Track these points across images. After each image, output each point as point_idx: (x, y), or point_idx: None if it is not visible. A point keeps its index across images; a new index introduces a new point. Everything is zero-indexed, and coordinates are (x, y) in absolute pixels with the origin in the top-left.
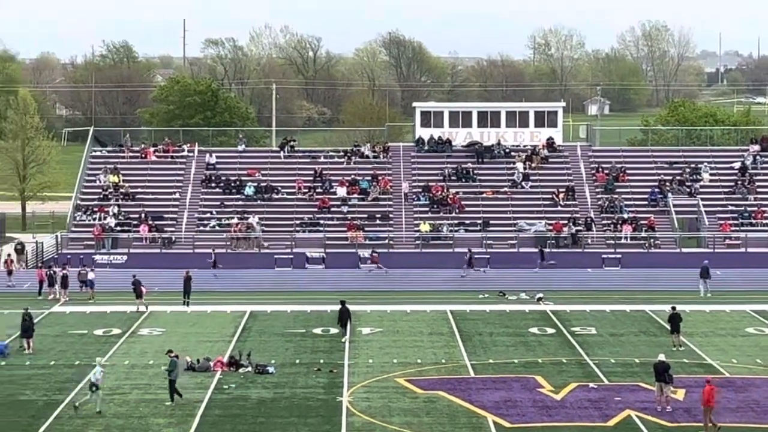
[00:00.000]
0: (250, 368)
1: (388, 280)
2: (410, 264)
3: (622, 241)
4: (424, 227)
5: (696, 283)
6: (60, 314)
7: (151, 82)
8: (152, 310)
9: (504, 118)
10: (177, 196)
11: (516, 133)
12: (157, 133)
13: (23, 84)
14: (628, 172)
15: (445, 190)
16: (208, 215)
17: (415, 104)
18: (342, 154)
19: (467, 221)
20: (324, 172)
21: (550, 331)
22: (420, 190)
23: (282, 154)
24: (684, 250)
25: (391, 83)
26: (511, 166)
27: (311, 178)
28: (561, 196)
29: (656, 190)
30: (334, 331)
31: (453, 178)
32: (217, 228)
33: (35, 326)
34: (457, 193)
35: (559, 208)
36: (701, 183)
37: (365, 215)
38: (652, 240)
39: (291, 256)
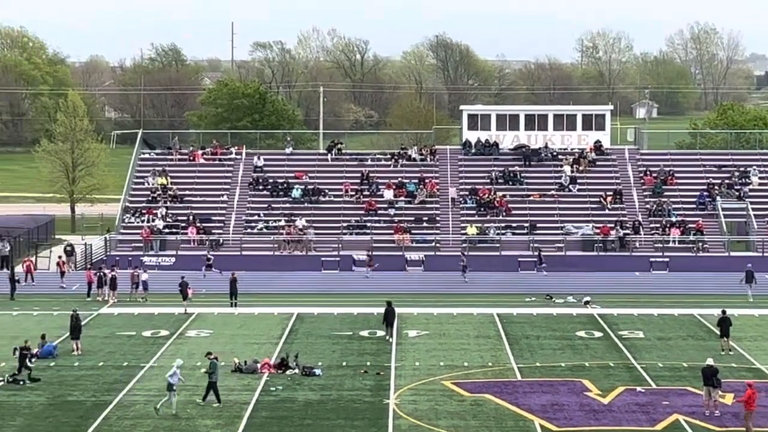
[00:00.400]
0: (297, 370)
1: (435, 282)
2: (457, 267)
3: (670, 244)
4: (471, 230)
5: (745, 287)
6: (108, 316)
7: (199, 85)
8: (200, 312)
9: (551, 121)
10: (225, 198)
11: (563, 136)
12: (205, 135)
13: (73, 87)
14: (676, 175)
15: (492, 193)
16: (256, 218)
17: (462, 107)
18: (389, 156)
19: (514, 224)
20: (371, 174)
21: (598, 334)
22: (467, 193)
23: (329, 156)
24: (732, 253)
25: (439, 86)
26: (559, 169)
27: (358, 181)
28: (608, 199)
29: (705, 193)
30: (380, 333)
31: (500, 181)
32: (265, 230)
33: (83, 327)
34: (504, 196)
35: (607, 211)
36: (750, 186)
37: (412, 218)
38: (700, 243)
39: (338, 259)
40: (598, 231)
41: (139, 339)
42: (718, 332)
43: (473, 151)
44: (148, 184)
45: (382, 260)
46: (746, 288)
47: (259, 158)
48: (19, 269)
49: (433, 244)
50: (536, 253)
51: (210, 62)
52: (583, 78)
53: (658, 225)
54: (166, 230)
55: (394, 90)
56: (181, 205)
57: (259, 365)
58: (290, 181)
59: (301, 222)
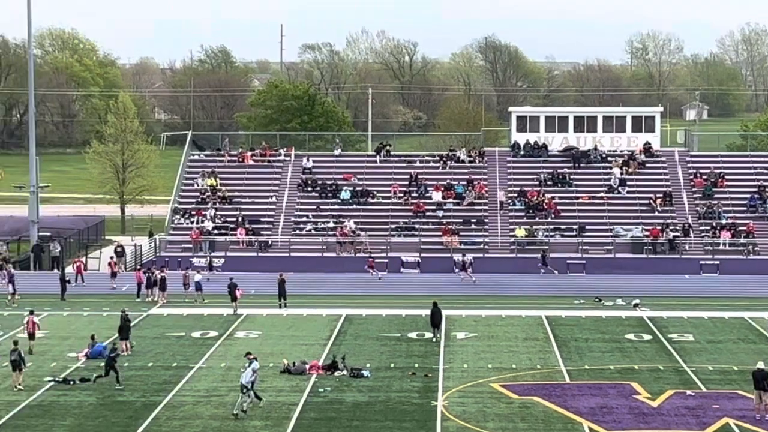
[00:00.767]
0: (345, 372)
1: (483, 284)
2: (505, 269)
3: (721, 247)
4: (520, 232)
5: None
6: (158, 316)
7: (248, 87)
8: (248, 313)
9: (601, 122)
10: (273, 199)
11: (613, 138)
12: (255, 137)
13: (123, 88)
14: (726, 177)
15: (540, 195)
16: (304, 219)
17: (511, 109)
18: (437, 158)
19: (563, 226)
20: (419, 176)
21: (647, 337)
22: (515, 195)
23: (378, 158)
24: None
25: (487, 88)
26: (608, 171)
27: (407, 183)
28: (658, 201)
29: (755, 195)
30: (428, 335)
31: (549, 183)
32: (313, 232)
33: (133, 328)
34: (553, 198)
35: (657, 213)
36: None
37: (460, 220)
38: (751, 246)
39: (386, 260)
40: (647, 233)
41: (189, 340)
42: None
43: (522, 152)
44: (198, 185)
45: (430, 262)
46: None
47: (307, 160)
48: (69, 270)
49: (482, 245)
50: (541, 255)
51: (259, 64)
52: (633, 80)
53: (708, 227)
54: (215, 231)
55: (443, 92)
56: (230, 206)
57: (307, 366)
58: (339, 182)
59: (350, 224)
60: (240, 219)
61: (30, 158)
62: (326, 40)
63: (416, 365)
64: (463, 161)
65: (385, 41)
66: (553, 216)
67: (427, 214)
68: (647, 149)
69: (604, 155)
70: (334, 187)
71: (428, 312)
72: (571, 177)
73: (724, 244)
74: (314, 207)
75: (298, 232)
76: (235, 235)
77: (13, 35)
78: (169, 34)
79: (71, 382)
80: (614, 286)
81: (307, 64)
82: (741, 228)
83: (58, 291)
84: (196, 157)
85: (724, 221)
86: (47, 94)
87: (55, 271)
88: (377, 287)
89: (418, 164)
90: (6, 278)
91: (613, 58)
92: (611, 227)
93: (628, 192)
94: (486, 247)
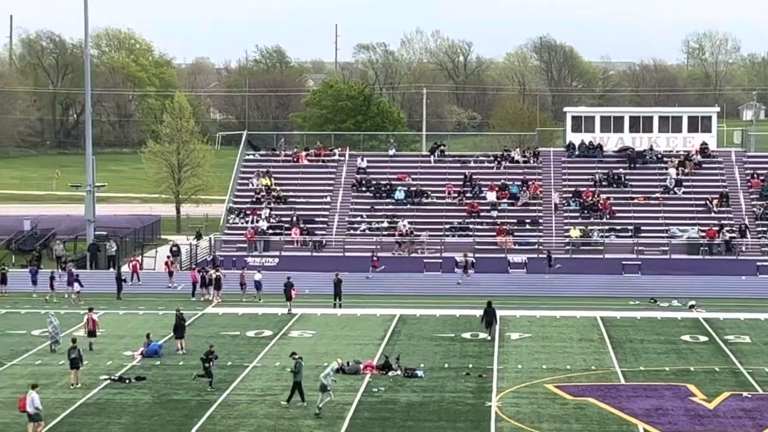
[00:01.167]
0: (399, 372)
1: (537, 285)
2: (560, 269)
3: None
4: (575, 233)
5: None
6: (213, 315)
7: (303, 87)
8: (303, 313)
9: (656, 123)
10: (328, 199)
11: (669, 139)
12: (309, 137)
13: (179, 88)
14: None
15: (595, 196)
16: (359, 219)
17: (566, 109)
18: (492, 158)
19: (618, 227)
20: (474, 176)
21: (703, 339)
22: (570, 195)
23: (432, 158)
24: None
25: (542, 88)
26: (664, 171)
27: (461, 183)
28: (715, 202)
29: None
30: (482, 335)
31: (604, 183)
32: (367, 231)
33: (188, 327)
34: (608, 198)
35: (713, 214)
36: None
37: (515, 220)
38: None
39: (440, 261)
40: (703, 234)
41: (243, 339)
42: None
43: (577, 153)
44: (252, 185)
45: (484, 263)
46: None
47: (362, 160)
48: (125, 269)
49: (536, 246)
50: (547, 255)
51: (314, 64)
52: (689, 80)
53: (765, 228)
54: (270, 231)
55: (497, 92)
56: (285, 206)
57: (361, 366)
58: (393, 182)
59: (404, 224)
60: (294, 219)
61: (87, 158)
62: (381, 40)
63: (470, 365)
64: (517, 161)
65: (440, 41)
66: (608, 216)
67: (482, 214)
68: (703, 149)
69: (659, 155)
70: (388, 187)
71: (482, 312)
72: (627, 177)
73: None
74: (368, 207)
75: (352, 231)
76: (290, 234)
77: (71, 35)
78: (225, 34)
79: (127, 381)
80: (670, 287)
81: (362, 64)
82: None
83: (114, 290)
84: (251, 157)
85: None
86: (104, 94)
87: (111, 270)
88: (430, 287)
89: (472, 164)
90: (65, 277)
91: (669, 57)
92: (667, 228)
93: (684, 192)
94: (540, 247)
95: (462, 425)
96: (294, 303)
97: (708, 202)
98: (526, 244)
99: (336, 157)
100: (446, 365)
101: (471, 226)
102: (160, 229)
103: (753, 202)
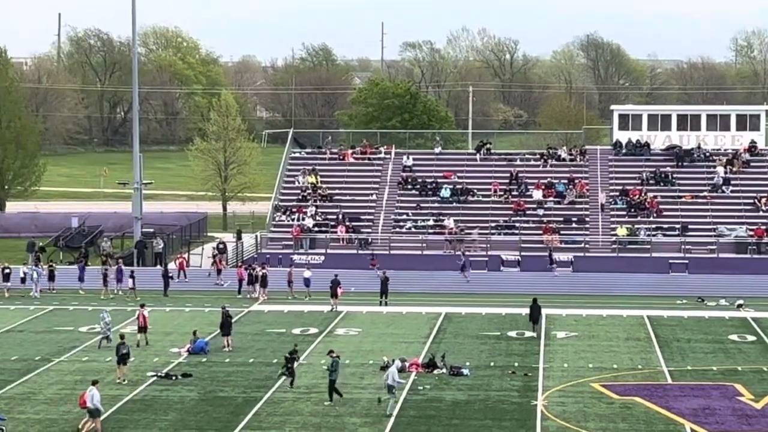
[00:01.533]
0: (444, 370)
1: (583, 283)
2: (606, 268)
3: None
4: (621, 231)
5: None
6: (259, 313)
7: (349, 85)
8: (348, 311)
9: (704, 121)
10: (374, 197)
11: (717, 137)
12: (355, 135)
13: (225, 86)
14: None
15: (642, 194)
16: (404, 217)
17: (613, 107)
18: (538, 156)
19: (665, 225)
20: (520, 174)
21: (751, 338)
22: (617, 193)
23: (478, 156)
24: None
25: (589, 86)
26: (712, 170)
27: (507, 181)
28: (763, 201)
29: None
30: (528, 333)
31: (651, 181)
32: (413, 229)
33: (234, 324)
34: (655, 197)
35: (761, 213)
36: None
37: (561, 218)
38: None
39: (486, 259)
40: (751, 233)
41: (289, 336)
42: None
43: (624, 151)
44: (299, 183)
45: (530, 261)
46: None
47: (408, 158)
48: (172, 266)
49: (582, 245)
50: (548, 254)
51: (360, 62)
52: (737, 77)
53: None
54: (316, 229)
55: (544, 90)
56: (331, 203)
57: (407, 364)
58: (439, 180)
59: (450, 222)
60: (340, 216)
61: (134, 155)
62: (427, 38)
63: (516, 364)
64: (564, 159)
65: (486, 39)
66: (655, 215)
67: (528, 212)
68: (752, 148)
69: (707, 154)
70: (434, 184)
71: (528, 311)
72: (674, 176)
73: None
74: (414, 205)
75: (397, 229)
76: (336, 232)
77: (118, 34)
78: (271, 32)
79: (173, 377)
80: (717, 287)
81: (408, 62)
82: None
83: (161, 287)
84: (297, 155)
85: None
86: (151, 91)
87: (158, 267)
88: (476, 286)
89: (518, 162)
90: (115, 274)
91: (717, 55)
92: (715, 227)
93: (732, 191)
94: (587, 246)
95: (507, 424)
96: (339, 301)
97: (756, 200)
98: (572, 242)
99: (382, 155)
100: (492, 363)
101: (517, 225)
102: (207, 226)
103: None
